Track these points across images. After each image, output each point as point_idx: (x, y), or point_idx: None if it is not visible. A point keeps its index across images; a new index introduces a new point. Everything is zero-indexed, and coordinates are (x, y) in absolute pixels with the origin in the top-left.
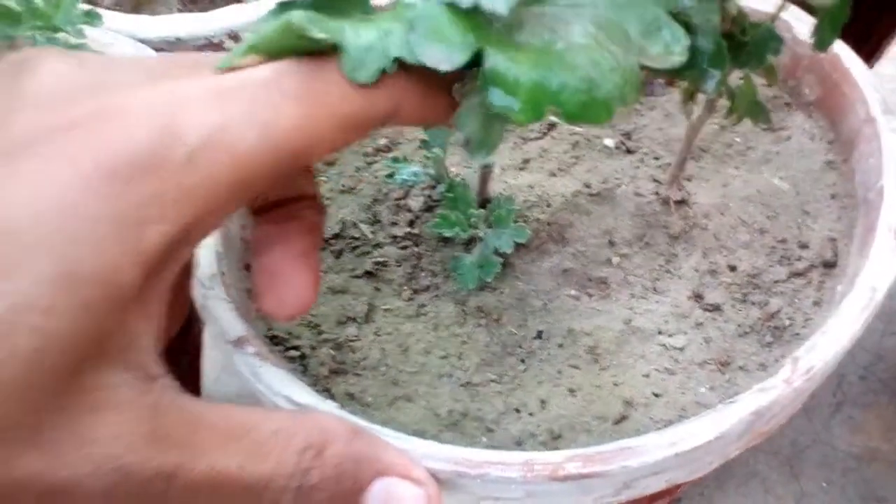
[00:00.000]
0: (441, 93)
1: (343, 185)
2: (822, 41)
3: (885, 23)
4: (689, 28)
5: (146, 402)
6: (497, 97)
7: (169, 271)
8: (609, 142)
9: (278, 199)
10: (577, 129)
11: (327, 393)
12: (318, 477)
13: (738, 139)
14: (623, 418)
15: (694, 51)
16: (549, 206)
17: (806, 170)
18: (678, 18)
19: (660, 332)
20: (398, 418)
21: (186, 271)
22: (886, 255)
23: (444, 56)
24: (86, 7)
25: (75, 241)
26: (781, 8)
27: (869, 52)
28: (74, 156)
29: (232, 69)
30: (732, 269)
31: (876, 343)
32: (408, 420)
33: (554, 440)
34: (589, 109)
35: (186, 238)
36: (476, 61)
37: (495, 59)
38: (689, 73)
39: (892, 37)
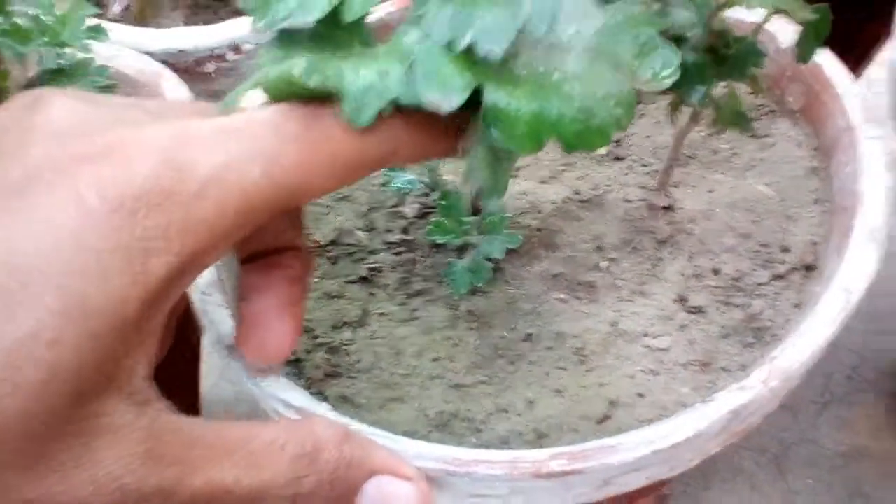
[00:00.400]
0: (439, 132)
1: (340, 193)
2: (804, 54)
3: (868, 32)
4: (678, 42)
5: (142, 425)
6: (498, 132)
7: (169, 300)
8: (600, 149)
9: (266, 249)
10: None
11: (321, 395)
12: (313, 483)
13: (724, 146)
14: (607, 418)
15: (682, 66)
16: (539, 212)
17: (790, 176)
18: (667, 34)
19: (645, 335)
20: (390, 419)
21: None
22: (861, 259)
23: (444, 97)
24: (92, 22)
25: (82, 273)
26: (766, 21)
27: (856, 60)
28: (82, 189)
29: (236, 110)
30: (717, 272)
31: (862, 343)
32: (399, 421)
33: (540, 439)
34: (586, 137)
35: (189, 268)
36: (475, 98)
37: (494, 96)
38: (675, 87)
39: (877, 45)
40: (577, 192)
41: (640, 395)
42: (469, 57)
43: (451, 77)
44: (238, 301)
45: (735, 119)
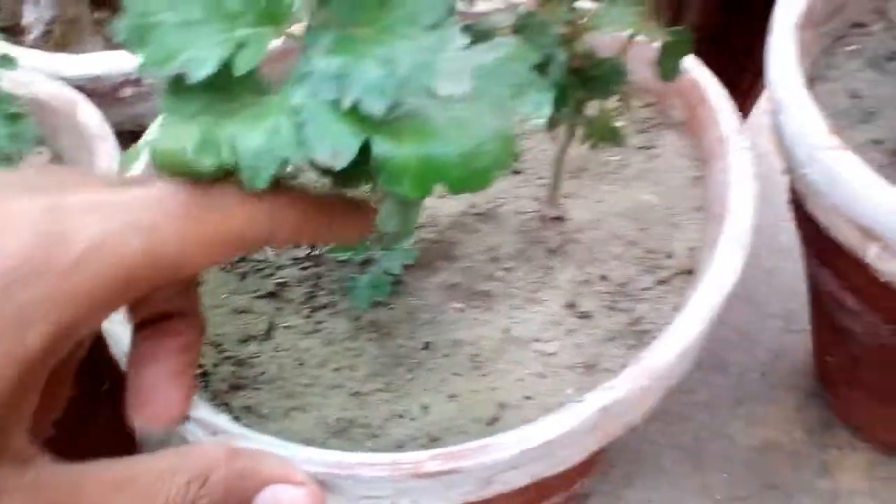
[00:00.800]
0: (321, 211)
1: None
2: (666, 72)
3: (745, 83)
4: (543, 68)
5: (25, 483)
6: (388, 182)
7: (47, 366)
8: None
9: (157, 314)
10: None
11: (226, 407)
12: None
13: (614, 158)
14: (495, 420)
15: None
16: (437, 226)
17: (675, 185)
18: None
19: (536, 340)
20: (291, 428)
21: (75, 353)
22: (726, 263)
23: (335, 154)
24: (1, 52)
25: None
26: (626, 46)
27: (739, 106)
28: None
29: (123, 177)
30: (604, 279)
31: (776, 341)
32: (300, 429)
33: (433, 442)
34: (470, 180)
35: (68, 336)
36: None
37: (382, 148)
38: None
39: (755, 94)
40: (474, 206)
41: (528, 398)
42: (356, 112)
43: (340, 134)
44: (129, 369)
45: (607, 134)
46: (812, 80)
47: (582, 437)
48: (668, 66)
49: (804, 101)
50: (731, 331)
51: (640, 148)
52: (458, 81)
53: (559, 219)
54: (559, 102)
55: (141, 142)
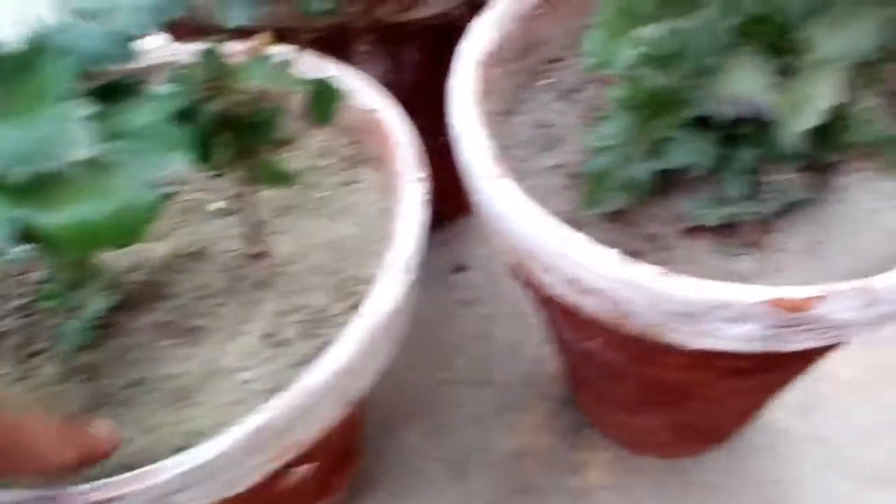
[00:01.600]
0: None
1: None
2: (318, 118)
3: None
4: (193, 119)
5: None
6: (48, 248)
7: None
8: (218, 204)
9: None
10: (193, 194)
11: None
12: None
13: (320, 194)
14: (185, 448)
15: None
16: (148, 267)
17: (370, 216)
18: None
19: (237, 370)
20: None
21: None
22: (386, 287)
23: None
24: None
25: None
26: (278, 91)
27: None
28: None
29: None
30: (303, 308)
31: (537, 352)
32: None
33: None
34: (123, 237)
35: None
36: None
37: (36, 217)
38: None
39: None
40: (184, 248)
41: (221, 425)
42: (8, 186)
43: None
44: None
45: (276, 178)
46: (507, 113)
47: (245, 457)
48: (318, 112)
49: (476, 132)
50: (501, 345)
51: (344, 183)
52: (89, 147)
53: (264, 254)
54: (211, 152)
55: None
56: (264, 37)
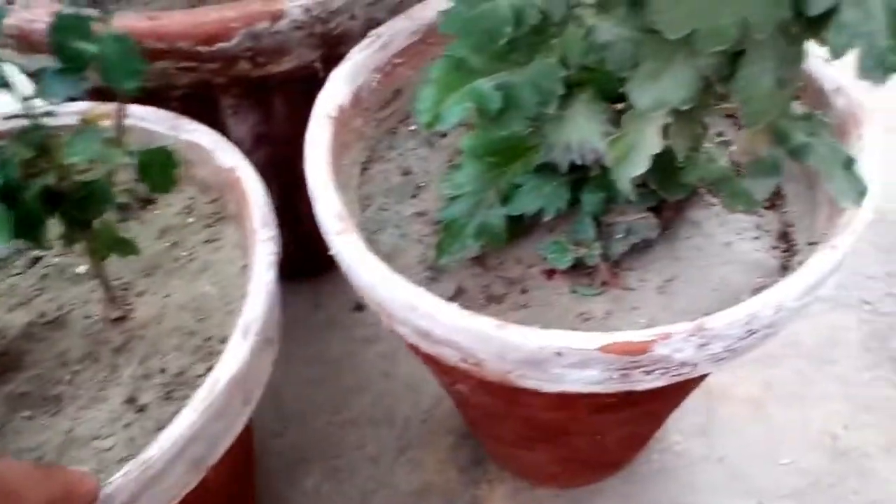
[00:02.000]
0: None
1: None
2: (152, 186)
3: None
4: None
5: None
6: None
7: None
8: (83, 268)
9: None
10: (53, 259)
11: None
12: None
13: (183, 253)
14: None
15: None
16: (4, 338)
17: (231, 274)
18: None
19: (95, 438)
20: None
21: None
22: (233, 353)
23: None
24: None
25: None
26: (115, 165)
27: None
28: None
29: None
30: (163, 371)
31: (435, 388)
32: None
33: None
34: None
35: None
36: None
37: None
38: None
39: None
40: (44, 314)
41: None
42: None
43: None
44: None
45: (117, 248)
46: (373, 161)
47: None
48: (152, 181)
49: (324, 188)
50: (401, 383)
51: (207, 242)
52: None
53: (123, 318)
54: (38, 230)
55: None
56: (96, 108)
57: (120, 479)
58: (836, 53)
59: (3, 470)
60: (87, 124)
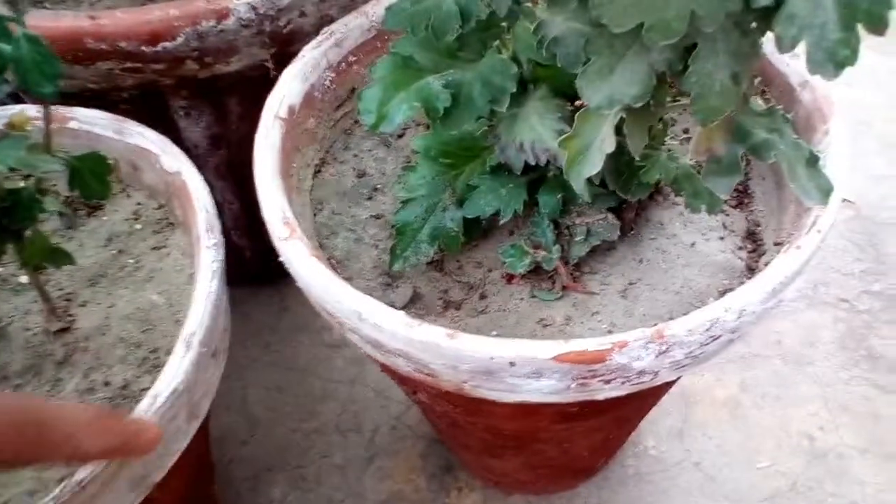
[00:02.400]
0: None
1: None
2: (86, 194)
3: None
4: None
5: None
6: None
7: None
8: (23, 279)
9: None
10: None
11: None
12: None
13: (130, 261)
14: None
15: None
16: None
17: (179, 283)
18: None
19: None
20: None
21: None
22: (173, 368)
23: None
24: None
25: None
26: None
27: None
28: None
29: None
30: (107, 384)
31: (403, 394)
32: None
33: None
34: None
35: None
36: None
37: None
38: None
39: None
40: None
41: None
42: None
43: None
44: None
45: (49, 255)
46: (324, 164)
47: None
48: (84, 188)
49: (271, 192)
50: (368, 390)
51: (154, 248)
52: None
53: (65, 330)
54: None
55: None
56: (21, 115)
57: (51, 500)
58: (785, 46)
59: (64, 414)
60: (13, 129)
